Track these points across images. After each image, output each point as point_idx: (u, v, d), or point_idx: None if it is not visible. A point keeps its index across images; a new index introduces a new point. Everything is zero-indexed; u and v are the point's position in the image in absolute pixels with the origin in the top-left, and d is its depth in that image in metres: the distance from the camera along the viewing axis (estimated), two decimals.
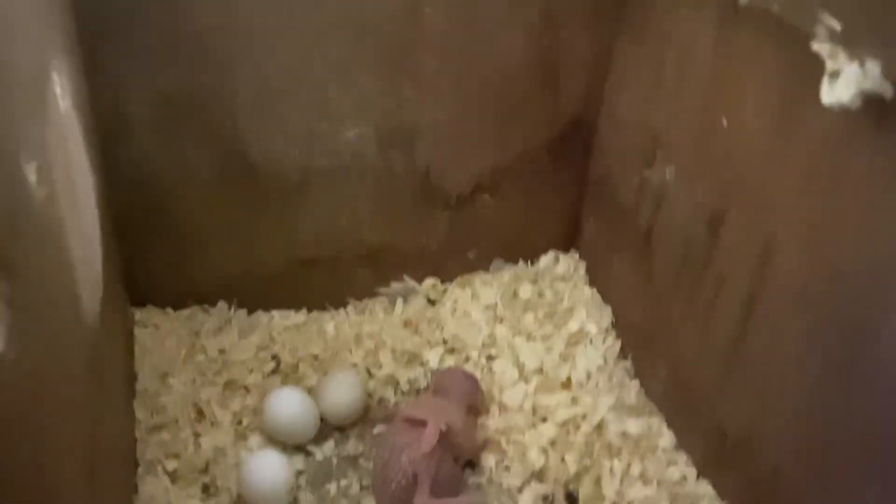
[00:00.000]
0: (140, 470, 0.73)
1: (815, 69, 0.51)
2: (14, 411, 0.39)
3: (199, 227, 0.84)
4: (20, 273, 0.42)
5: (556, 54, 0.84)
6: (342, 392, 0.80)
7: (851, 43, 0.47)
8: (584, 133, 0.90)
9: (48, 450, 0.46)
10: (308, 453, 0.78)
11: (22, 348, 0.40)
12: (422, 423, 0.72)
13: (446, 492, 0.73)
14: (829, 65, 0.48)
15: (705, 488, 0.75)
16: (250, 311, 0.91)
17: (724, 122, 0.67)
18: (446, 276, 0.96)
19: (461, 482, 0.76)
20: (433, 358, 0.87)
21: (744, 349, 0.68)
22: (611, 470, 0.76)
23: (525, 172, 0.91)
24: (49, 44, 0.60)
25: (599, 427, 0.80)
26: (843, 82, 0.46)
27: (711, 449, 0.74)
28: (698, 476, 0.76)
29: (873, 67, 0.46)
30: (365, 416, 0.82)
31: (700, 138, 0.71)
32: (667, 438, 0.79)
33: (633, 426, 0.80)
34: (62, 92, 0.60)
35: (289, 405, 0.77)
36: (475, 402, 0.80)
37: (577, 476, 0.76)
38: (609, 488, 0.75)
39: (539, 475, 0.77)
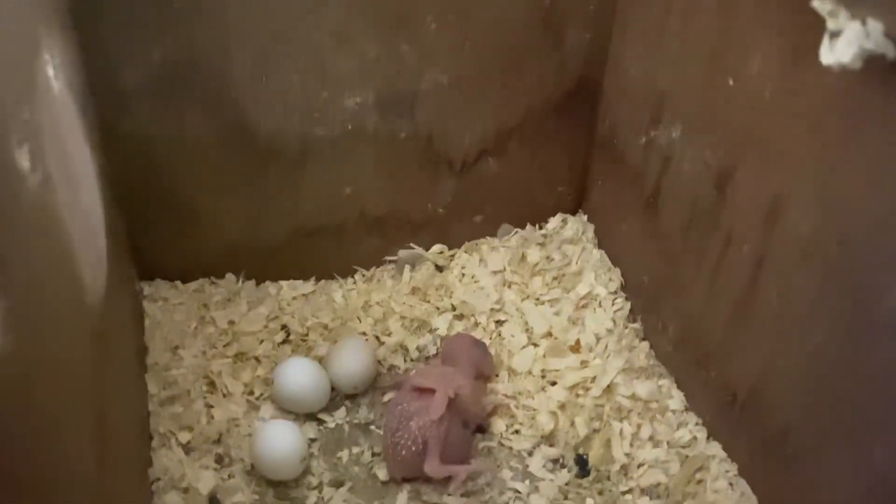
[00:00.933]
0: (154, 443, 0.74)
1: (821, 24, 0.49)
2: (13, 400, 0.39)
3: (203, 199, 0.84)
4: (15, 261, 0.42)
5: (559, 11, 0.81)
6: (352, 360, 0.80)
7: (853, 2, 0.45)
8: (590, 93, 0.88)
9: (54, 430, 0.46)
10: (320, 422, 0.79)
11: (20, 335, 0.40)
12: (430, 391, 0.72)
13: (456, 457, 0.73)
14: (830, 24, 0.46)
15: (716, 449, 0.75)
16: (258, 283, 0.91)
17: (731, 80, 0.65)
18: (453, 242, 0.95)
19: (471, 447, 0.76)
20: (442, 324, 0.87)
21: (752, 308, 0.68)
22: (620, 432, 0.77)
23: (531, 134, 0.89)
24: (40, 22, 0.59)
25: (609, 390, 0.80)
26: (844, 42, 0.45)
27: (721, 410, 0.74)
28: (708, 437, 0.76)
29: (876, 27, 0.44)
30: (375, 384, 0.82)
31: (706, 96, 0.70)
32: (677, 400, 0.79)
33: (643, 388, 0.80)
34: (55, 72, 0.59)
35: (299, 375, 0.78)
36: (484, 367, 0.80)
37: (587, 439, 0.77)
38: (619, 451, 0.75)
39: (549, 439, 0.77)
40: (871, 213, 0.54)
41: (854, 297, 0.57)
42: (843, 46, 0.46)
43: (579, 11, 0.82)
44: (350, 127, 0.83)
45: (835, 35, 0.47)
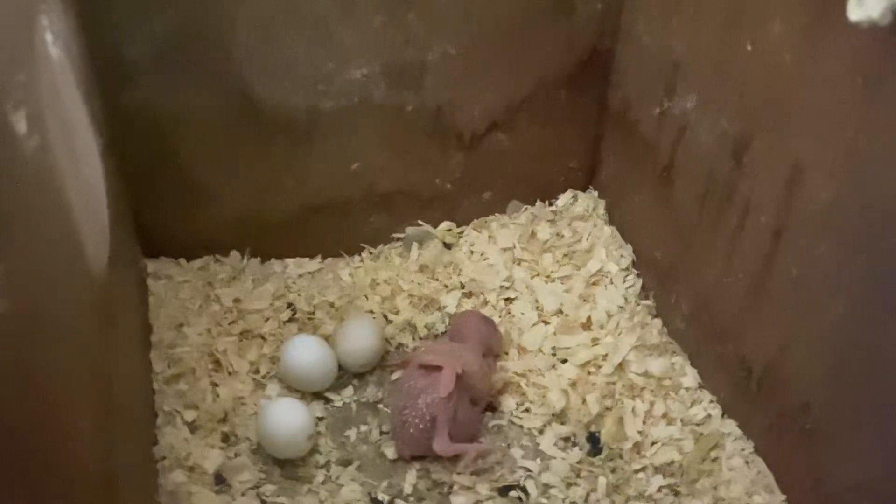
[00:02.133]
0: (159, 421, 0.73)
1: None
2: (12, 360, 0.38)
3: (208, 174, 0.83)
4: (11, 223, 0.40)
5: None
6: (359, 339, 0.79)
7: None
8: (601, 64, 0.86)
9: (56, 402, 0.45)
10: (327, 400, 0.78)
11: (18, 299, 0.39)
12: (438, 368, 0.71)
13: (464, 434, 0.72)
14: None
15: (731, 427, 0.73)
16: (264, 260, 0.90)
17: (749, 46, 0.63)
18: (462, 219, 0.93)
19: (480, 424, 0.75)
20: (450, 302, 0.86)
21: (770, 281, 0.66)
22: (633, 410, 0.75)
23: (541, 108, 0.88)
24: None
25: (621, 367, 0.79)
26: None
27: (736, 387, 0.73)
28: (723, 414, 0.75)
29: None
30: (383, 363, 0.81)
31: (723, 63, 0.68)
32: (690, 377, 0.78)
33: (656, 366, 0.78)
34: (53, 38, 0.58)
35: (306, 353, 0.77)
36: (492, 344, 0.79)
37: (599, 417, 0.75)
38: (632, 428, 0.74)
39: (560, 417, 0.76)
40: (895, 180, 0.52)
41: (877, 268, 0.55)
42: (872, 1, 0.44)
43: None
44: (357, 99, 0.81)
45: None
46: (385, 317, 0.85)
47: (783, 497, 0.68)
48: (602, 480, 0.70)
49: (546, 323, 0.84)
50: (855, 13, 0.45)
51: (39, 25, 0.55)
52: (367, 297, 0.87)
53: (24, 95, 0.47)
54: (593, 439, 0.74)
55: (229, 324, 0.82)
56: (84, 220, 0.57)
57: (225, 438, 0.73)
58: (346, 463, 0.72)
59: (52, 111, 0.53)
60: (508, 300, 0.86)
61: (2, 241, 0.38)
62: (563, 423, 0.76)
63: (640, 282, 0.87)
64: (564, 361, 0.80)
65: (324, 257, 0.91)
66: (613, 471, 0.72)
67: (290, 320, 0.84)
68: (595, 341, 0.81)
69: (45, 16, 0.57)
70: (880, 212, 0.54)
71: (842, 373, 0.60)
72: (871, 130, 0.54)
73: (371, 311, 0.85)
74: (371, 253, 0.92)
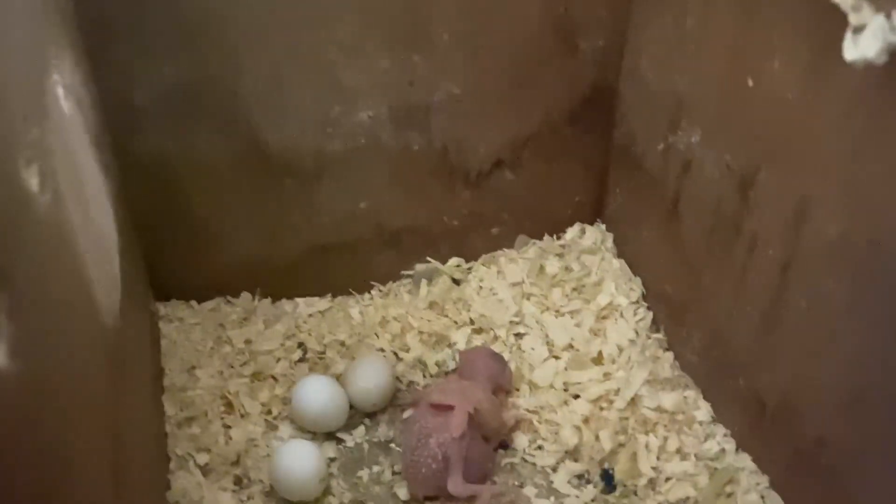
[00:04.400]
0: (171, 465, 0.73)
1: (843, 20, 0.48)
2: (24, 422, 0.39)
3: (217, 217, 0.84)
4: (23, 283, 0.41)
5: (572, 19, 0.80)
6: (370, 377, 0.79)
7: None
8: (605, 99, 0.87)
9: (66, 455, 0.45)
10: (339, 440, 0.78)
11: (29, 358, 0.40)
12: (448, 408, 0.71)
13: (478, 473, 0.72)
14: (853, 18, 0.45)
15: (745, 461, 0.73)
16: (274, 300, 0.90)
17: (750, 82, 0.64)
18: (470, 255, 0.94)
19: (493, 462, 0.75)
20: (460, 339, 0.86)
21: (780, 315, 0.66)
22: (647, 446, 0.75)
23: (546, 144, 0.88)
24: (49, 42, 0.59)
25: (633, 402, 0.78)
26: (869, 36, 0.43)
27: (750, 420, 0.72)
28: (738, 449, 0.74)
29: None
30: (394, 401, 0.81)
31: (726, 99, 0.68)
32: (703, 411, 0.77)
33: (668, 400, 0.78)
34: (65, 92, 0.59)
35: (317, 393, 0.77)
36: (502, 380, 0.79)
37: (612, 453, 0.75)
38: (645, 465, 0.73)
39: (573, 454, 0.75)
40: None
41: (889, 299, 0.55)
42: (867, 41, 0.44)
43: (593, 18, 0.81)
44: (364, 141, 0.82)
45: (858, 30, 0.45)
46: (395, 354, 0.85)
47: None
48: None
49: (557, 358, 0.83)
50: (850, 53, 0.46)
51: (51, 80, 0.57)
52: (377, 335, 0.87)
53: (37, 152, 0.48)
54: (607, 476, 0.73)
55: (241, 365, 0.83)
56: (96, 271, 0.58)
57: (238, 481, 0.73)
58: None
59: (63, 165, 0.54)
60: (518, 335, 0.86)
61: (13, 301, 0.38)
62: (576, 461, 0.75)
63: (650, 315, 0.86)
64: (577, 397, 0.80)
65: (334, 296, 0.91)
66: None
67: (302, 360, 0.84)
68: (607, 376, 0.81)
69: (56, 69, 0.59)
70: (888, 248, 0.54)
71: (857, 408, 0.59)
72: (874, 166, 0.54)
73: (381, 349, 0.85)
74: (381, 290, 0.92)
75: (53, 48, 0.59)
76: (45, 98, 0.54)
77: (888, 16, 0.44)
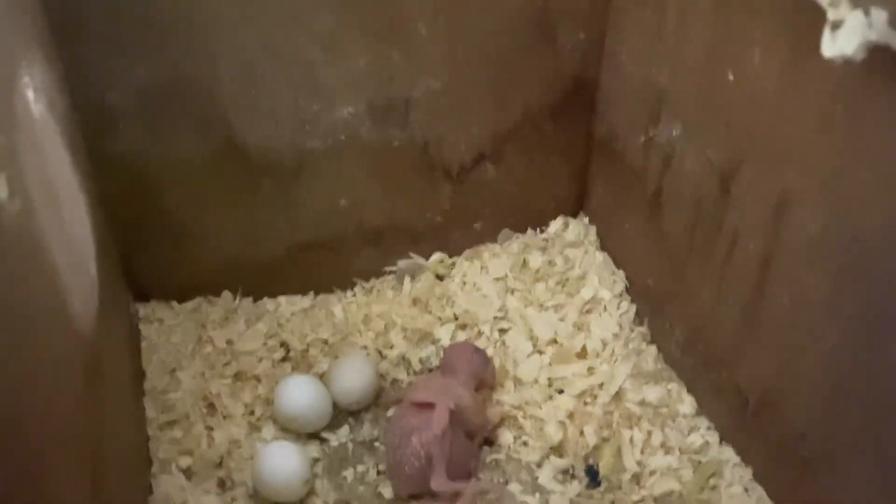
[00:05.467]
0: (154, 469, 0.72)
1: (822, 15, 0.48)
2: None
3: (196, 217, 0.83)
4: None
5: (552, 12, 0.80)
6: (354, 376, 0.78)
7: None
8: (586, 93, 0.86)
9: (46, 463, 0.45)
10: (323, 440, 0.77)
11: (4, 371, 0.39)
12: (430, 406, 0.70)
13: (462, 470, 0.71)
14: (830, 14, 0.44)
15: (729, 454, 0.73)
16: (256, 299, 0.89)
17: (730, 76, 0.63)
18: (454, 250, 0.93)
19: (477, 460, 0.75)
20: (444, 335, 0.86)
21: (762, 309, 0.66)
22: (631, 440, 0.75)
23: (528, 137, 0.88)
24: (18, 45, 0.58)
25: (618, 396, 0.78)
26: (846, 33, 0.43)
27: (734, 414, 0.72)
28: (721, 442, 0.74)
29: (879, 16, 0.42)
30: (378, 399, 0.80)
31: (706, 93, 0.68)
32: (687, 405, 0.78)
33: (652, 394, 0.78)
34: (35, 95, 0.58)
35: (301, 393, 0.76)
36: (485, 376, 0.78)
37: (597, 448, 0.75)
38: (630, 459, 0.73)
39: (558, 449, 0.75)
40: (883, 206, 0.52)
41: (869, 296, 0.55)
42: (845, 37, 0.44)
43: (573, 11, 0.80)
44: (343, 138, 0.81)
45: (836, 26, 0.45)
46: (379, 352, 0.85)
47: None
48: None
49: (541, 353, 0.83)
50: (828, 49, 0.45)
51: (20, 83, 0.55)
52: (360, 333, 0.86)
53: (5, 159, 0.47)
54: (592, 472, 0.73)
55: (223, 366, 0.82)
56: (71, 276, 0.57)
57: (221, 484, 0.73)
58: None
59: (34, 171, 0.53)
60: (503, 331, 0.86)
61: None
62: (561, 456, 0.75)
63: (633, 308, 0.86)
64: (561, 392, 0.80)
65: (316, 294, 0.91)
66: (613, 503, 0.71)
67: (284, 359, 0.84)
68: (591, 370, 0.81)
69: (27, 72, 0.57)
70: (870, 244, 0.54)
71: (837, 401, 0.60)
72: (854, 160, 0.54)
73: (365, 347, 0.85)
74: (363, 288, 0.92)
75: (23, 50, 0.58)
76: (13, 102, 0.52)
77: (866, 12, 0.44)
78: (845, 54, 0.44)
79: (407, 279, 0.91)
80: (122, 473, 0.64)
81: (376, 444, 0.77)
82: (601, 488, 0.72)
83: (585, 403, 0.79)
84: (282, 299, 0.90)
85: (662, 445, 0.75)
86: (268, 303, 0.89)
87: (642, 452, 0.74)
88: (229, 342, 0.84)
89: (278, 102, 0.77)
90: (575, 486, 0.73)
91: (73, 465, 0.50)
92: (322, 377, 0.80)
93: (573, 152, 0.91)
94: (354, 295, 0.91)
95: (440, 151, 0.85)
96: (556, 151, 0.90)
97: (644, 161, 0.79)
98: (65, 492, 0.48)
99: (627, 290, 0.88)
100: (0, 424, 0.39)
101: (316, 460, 0.75)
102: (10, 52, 0.55)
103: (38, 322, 0.48)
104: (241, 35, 0.73)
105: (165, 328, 0.85)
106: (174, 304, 0.88)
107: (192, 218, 0.82)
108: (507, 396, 0.80)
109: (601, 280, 0.89)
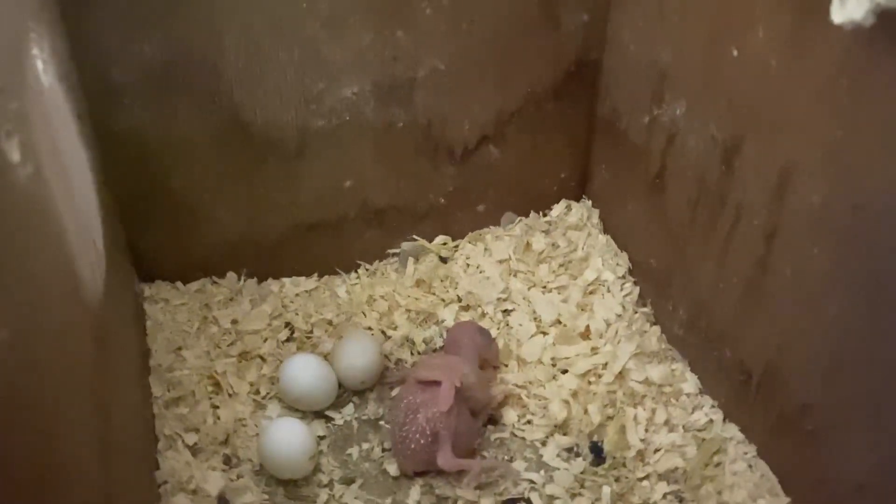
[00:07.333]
0: (160, 445, 0.73)
1: None
2: (7, 391, 0.38)
3: (201, 196, 0.83)
4: (5, 253, 0.40)
5: None
6: (358, 356, 0.79)
7: None
8: (589, 73, 0.87)
9: (53, 432, 0.45)
10: (328, 419, 0.78)
11: (13, 329, 0.39)
12: (435, 383, 0.71)
13: (466, 446, 0.72)
14: None
15: (733, 431, 0.73)
16: (260, 280, 0.90)
17: (734, 52, 0.64)
18: (457, 233, 0.94)
19: (481, 436, 0.75)
20: (448, 316, 0.86)
21: (765, 284, 0.66)
22: (635, 418, 0.75)
23: (531, 119, 0.88)
24: (27, 16, 0.58)
25: (621, 376, 0.79)
26: None
27: (737, 391, 0.73)
28: (725, 419, 0.75)
29: None
30: (382, 379, 0.81)
31: (709, 69, 0.68)
32: (691, 383, 0.78)
33: (656, 373, 0.78)
34: (44, 66, 0.58)
35: (305, 372, 0.76)
36: (488, 354, 0.79)
37: (601, 426, 0.75)
38: (634, 437, 0.74)
39: (562, 427, 0.76)
40: (886, 177, 0.52)
41: (871, 267, 0.55)
42: (854, 3, 0.44)
43: None
44: (348, 117, 0.81)
45: None
46: (383, 332, 0.85)
47: (787, 500, 0.68)
48: (606, 490, 0.70)
49: (545, 334, 0.84)
50: (838, 15, 0.46)
51: (30, 53, 0.56)
52: (364, 314, 0.87)
53: (17, 124, 0.47)
54: (596, 449, 0.74)
55: (228, 345, 0.82)
56: (78, 247, 0.57)
57: (227, 461, 0.73)
58: (349, 481, 0.72)
59: (44, 139, 0.53)
60: (506, 312, 0.86)
61: None
62: (565, 434, 0.75)
63: (636, 289, 0.87)
64: (565, 372, 0.80)
65: (320, 275, 0.91)
66: (617, 480, 0.71)
67: (289, 340, 0.84)
68: (594, 350, 0.81)
69: (36, 43, 0.58)
70: (871, 212, 0.54)
71: (840, 373, 0.60)
72: (858, 131, 0.54)
73: (369, 328, 0.85)
74: (367, 269, 0.92)
75: (32, 22, 0.58)
76: (24, 71, 0.53)
77: None
78: (854, 19, 0.44)
79: (410, 261, 0.92)
80: (129, 447, 0.64)
81: (381, 422, 0.77)
82: (605, 465, 0.72)
83: (589, 383, 0.79)
84: (286, 280, 0.90)
85: (666, 423, 0.75)
86: (272, 284, 0.90)
87: (646, 430, 0.75)
88: (234, 322, 0.84)
89: (283, 80, 0.77)
90: (579, 464, 0.73)
91: (82, 429, 0.50)
92: (327, 357, 0.80)
93: (576, 134, 0.91)
94: (358, 276, 0.91)
95: (444, 132, 0.86)
96: (559, 133, 0.90)
97: (647, 140, 0.80)
98: (75, 455, 0.48)
99: (630, 271, 0.88)
100: (14, 380, 0.39)
101: (321, 438, 0.76)
102: (19, 22, 0.55)
103: (47, 286, 0.48)
104: (248, 12, 0.73)
105: (170, 308, 0.85)
106: (179, 284, 0.88)
107: (196, 198, 0.83)
108: (511, 376, 0.80)
109: (604, 262, 0.89)
